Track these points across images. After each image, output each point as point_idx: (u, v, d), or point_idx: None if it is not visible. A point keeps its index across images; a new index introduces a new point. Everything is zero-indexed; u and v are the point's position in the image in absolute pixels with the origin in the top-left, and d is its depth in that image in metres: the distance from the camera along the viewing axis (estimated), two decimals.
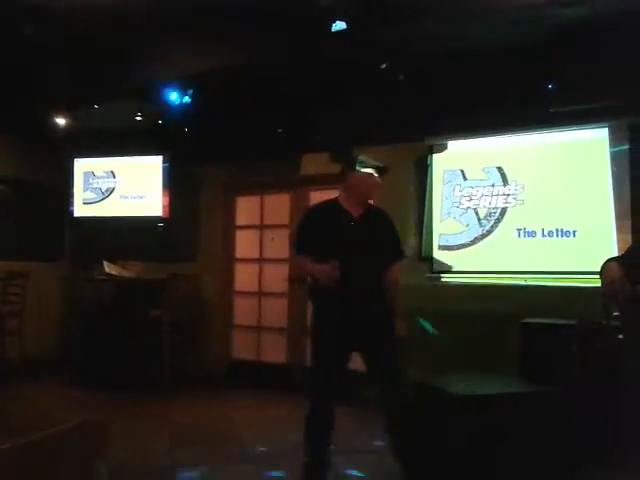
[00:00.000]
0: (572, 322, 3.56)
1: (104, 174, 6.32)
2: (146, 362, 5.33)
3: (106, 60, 4.43)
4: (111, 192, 6.29)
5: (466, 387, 3.14)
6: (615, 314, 2.42)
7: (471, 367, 4.08)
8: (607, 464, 2.54)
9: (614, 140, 4.37)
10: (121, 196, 6.27)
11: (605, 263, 2.38)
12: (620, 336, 2.47)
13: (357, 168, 3.12)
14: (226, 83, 4.77)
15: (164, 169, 6.02)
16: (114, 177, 6.28)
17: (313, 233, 3.16)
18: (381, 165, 3.15)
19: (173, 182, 6.03)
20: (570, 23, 3.61)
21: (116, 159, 6.30)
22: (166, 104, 5.16)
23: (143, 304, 5.56)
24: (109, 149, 6.17)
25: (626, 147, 4.31)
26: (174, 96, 5.11)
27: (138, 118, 5.39)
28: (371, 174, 3.09)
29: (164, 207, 6.00)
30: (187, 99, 5.02)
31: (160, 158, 6.04)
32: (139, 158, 6.20)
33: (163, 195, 6.02)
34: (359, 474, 3.49)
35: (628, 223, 4.20)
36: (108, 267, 5.91)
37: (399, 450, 3.03)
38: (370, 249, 3.06)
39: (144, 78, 4.72)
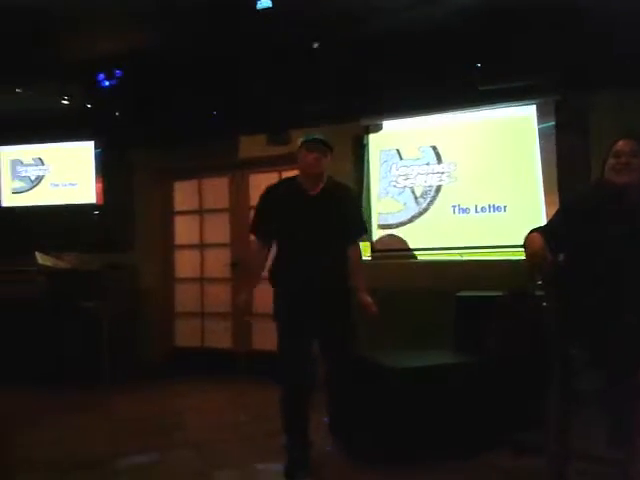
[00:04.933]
0: (502, 293, 3.69)
1: (32, 162, 6.06)
2: (83, 355, 5.17)
3: (26, 41, 4.20)
4: (40, 180, 6.04)
5: (403, 360, 3.22)
6: (539, 283, 2.51)
7: (414, 342, 4.18)
8: (536, 430, 2.65)
9: (541, 117, 4.51)
10: (52, 184, 6.02)
11: (528, 234, 2.46)
12: (544, 304, 2.57)
13: (300, 144, 3.08)
14: (157, 64, 4.62)
15: (96, 155, 5.82)
16: (43, 164, 6.03)
17: (268, 213, 3.12)
18: (321, 138, 3.03)
19: (107, 168, 5.83)
20: (497, 2, 3.66)
21: (44, 146, 6.02)
22: (95, 87, 4.94)
23: (78, 296, 5.38)
24: (36, 135, 5.90)
25: (552, 123, 4.45)
26: (103, 78, 4.90)
27: (65, 102, 5.15)
28: (306, 150, 3.01)
29: (98, 194, 5.81)
30: (116, 81, 4.81)
31: (92, 143, 5.83)
32: (69, 144, 5.95)
33: (96, 182, 5.82)
34: None
35: (556, 197, 4.36)
36: (41, 258, 5.67)
37: (336, 423, 3.11)
38: (326, 228, 3.01)
39: (68, 59, 4.50)
